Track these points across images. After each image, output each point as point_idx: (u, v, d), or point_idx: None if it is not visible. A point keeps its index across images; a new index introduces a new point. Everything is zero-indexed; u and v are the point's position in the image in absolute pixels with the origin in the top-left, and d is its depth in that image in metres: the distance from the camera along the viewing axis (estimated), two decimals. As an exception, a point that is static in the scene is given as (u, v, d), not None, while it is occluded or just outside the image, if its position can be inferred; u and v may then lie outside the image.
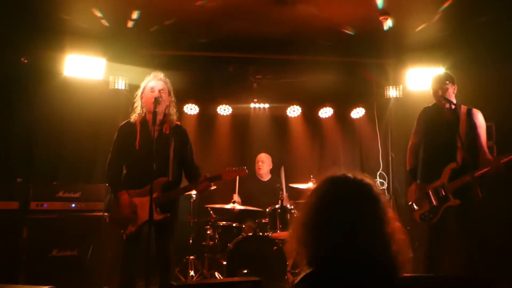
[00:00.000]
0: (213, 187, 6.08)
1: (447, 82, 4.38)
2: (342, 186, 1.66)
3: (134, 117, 4.07)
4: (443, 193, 4.25)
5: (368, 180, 1.68)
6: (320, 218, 1.61)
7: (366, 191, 1.64)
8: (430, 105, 4.59)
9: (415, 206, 4.38)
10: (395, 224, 1.62)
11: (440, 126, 4.39)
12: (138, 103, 4.10)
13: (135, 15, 5.34)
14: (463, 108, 4.38)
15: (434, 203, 4.28)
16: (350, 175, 1.69)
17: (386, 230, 1.59)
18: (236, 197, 5.97)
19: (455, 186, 4.19)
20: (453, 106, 4.33)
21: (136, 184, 3.92)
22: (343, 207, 1.59)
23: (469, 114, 4.29)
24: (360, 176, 1.69)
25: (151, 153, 3.74)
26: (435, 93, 4.43)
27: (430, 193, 4.32)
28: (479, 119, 4.32)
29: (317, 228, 1.61)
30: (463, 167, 4.21)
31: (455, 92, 4.45)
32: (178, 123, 4.20)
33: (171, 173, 3.97)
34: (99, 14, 5.30)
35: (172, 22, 5.61)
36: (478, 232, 4.17)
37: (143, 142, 3.96)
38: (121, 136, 4.07)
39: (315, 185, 1.76)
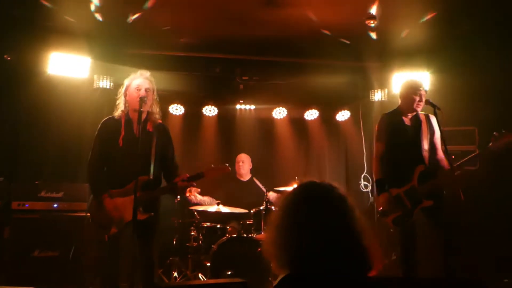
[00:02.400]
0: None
1: (424, 87, 4.41)
2: (310, 189, 1.73)
3: (118, 114, 4.01)
4: (415, 195, 4.25)
5: (334, 183, 1.76)
6: (292, 221, 1.66)
7: (332, 192, 1.71)
8: (388, 112, 4.60)
9: (386, 212, 4.34)
10: (362, 221, 1.68)
11: (404, 131, 4.43)
12: (121, 100, 4.03)
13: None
14: (421, 114, 4.44)
15: (408, 206, 4.27)
16: (316, 180, 1.76)
17: (355, 227, 1.64)
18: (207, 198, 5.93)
19: (426, 189, 4.20)
20: (419, 110, 4.41)
21: (117, 182, 3.85)
22: (312, 209, 1.66)
23: (428, 120, 4.36)
24: (327, 181, 1.76)
25: (134, 151, 3.69)
26: (412, 97, 4.39)
27: (402, 196, 4.30)
28: (436, 124, 4.35)
29: (289, 231, 1.65)
30: (430, 169, 4.29)
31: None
32: (160, 121, 4.15)
33: (152, 171, 3.89)
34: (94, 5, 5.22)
35: (159, 21, 5.59)
36: (451, 230, 4.21)
37: (127, 139, 3.90)
38: (103, 132, 3.99)
39: (287, 195, 1.80)
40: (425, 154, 4.35)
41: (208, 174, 4.03)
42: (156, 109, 4.09)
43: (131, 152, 3.74)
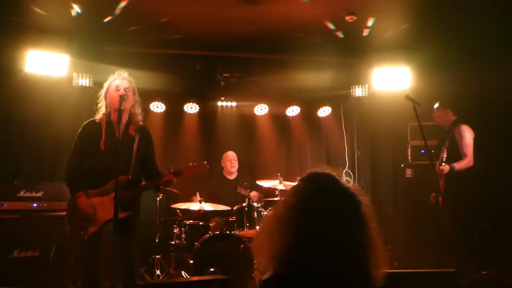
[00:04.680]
0: (176, 191, 6.05)
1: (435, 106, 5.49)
2: (325, 187, 1.61)
3: (99, 117, 4.01)
4: None
5: (352, 184, 1.64)
6: (302, 220, 1.55)
7: (348, 197, 1.59)
8: None
9: None
10: (375, 235, 1.57)
11: (439, 142, 5.36)
12: (102, 103, 4.03)
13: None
14: (452, 126, 5.35)
15: None
16: (335, 177, 1.64)
17: (366, 241, 1.54)
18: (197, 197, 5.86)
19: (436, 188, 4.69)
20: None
21: (97, 183, 3.86)
22: (327, 215, 1.54)
23: (452, 129, 5.30)
24: (344, 180, 1.64)
25: (116, 153, 3.72)
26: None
27: None
28: (462, 132, 5.25)
29: (296, 230, 1.55)
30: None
31: (447, 114, 5.45)
32: (142, 123, 4.17)
33: (131, 172, 3.89)
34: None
35: (138, 18, 5.54)
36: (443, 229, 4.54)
37: (109, 142, 3.91)
38: (84, 135, 3.99)
39: (300, 181, 1.68)
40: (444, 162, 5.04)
41: (186, 171, 4.18)
42: (138, 110, 4.11)
43: (113, 155, 3.76)
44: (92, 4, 5.18)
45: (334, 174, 1.66)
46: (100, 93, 4.09)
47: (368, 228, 1.56)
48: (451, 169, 5.04)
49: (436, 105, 5.50)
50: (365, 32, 5.89)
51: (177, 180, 4.12)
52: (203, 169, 4.34)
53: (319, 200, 1.57)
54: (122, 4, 5.14)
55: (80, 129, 4.03)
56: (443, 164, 4.98)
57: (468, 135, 5.25)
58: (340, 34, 5.95)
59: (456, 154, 5.17)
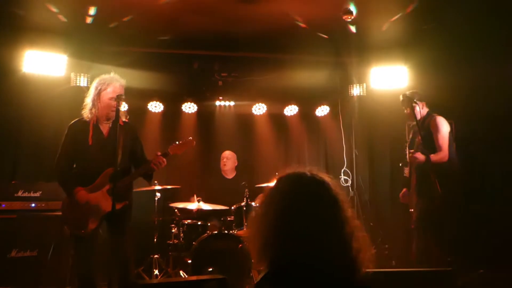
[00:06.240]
0: (177, 186, 6.05)
1: (414, 101, 4.92)
2: (303, 187, 1.67)
3: (86, 116, 4.02)
4: None
5: (327, 179, 1.69)
6: (283, 219, 1.61)
7: (326, 192, 1.65)
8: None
9: None
10: (354, 222, 1.64)
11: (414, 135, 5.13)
12: (90, 102, 4.02)
13: (92, 11, 5.23)
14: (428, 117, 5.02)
15: None
16: (308, 173, 1.70)
17: (346, 229, 1.60)
18: (195, 198, 5.86)
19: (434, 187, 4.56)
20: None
21: (88, 181, 3.89)
22: (305, 209, 1.60)
23: (428, 122, 4.94)
24: (319, 174, 1.70)
25: (103, 148, 3.84)
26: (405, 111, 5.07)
27: None
28: (435, 124, 4.89)
29: (274, 228, 1.61)
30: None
31: (423, 107, 5.05)
32: (127, 120, 4.21)
33: (120, 164, 3.85)
34: (54, 10, 5.16)
35: (136, 19, 5.54)
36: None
37: (96, 138, 3.96)
38: (71, 134, 4.01)
39: (275, 183, 1.76)
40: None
41: (172, 150, 4.13)
42: (123, 107, 4.17)
43: (101, 150, 3.87)
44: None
45: (308, 173, 1.71)
46: (89, 92, 4.09)
47: (347, 218, 1.62)
48: (427, 159, 4.71)
49: (401, 98, 5.08)
50: (385, 27, 5.87)
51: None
52: (189, 145, 4.25)
53: (300, 201, 1.63)
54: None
55: (66, 130, 4.04)
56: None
57: (445, 127, 4.94)
58: (353, 29, 5.92)
59: (431, 146, 4.84)
